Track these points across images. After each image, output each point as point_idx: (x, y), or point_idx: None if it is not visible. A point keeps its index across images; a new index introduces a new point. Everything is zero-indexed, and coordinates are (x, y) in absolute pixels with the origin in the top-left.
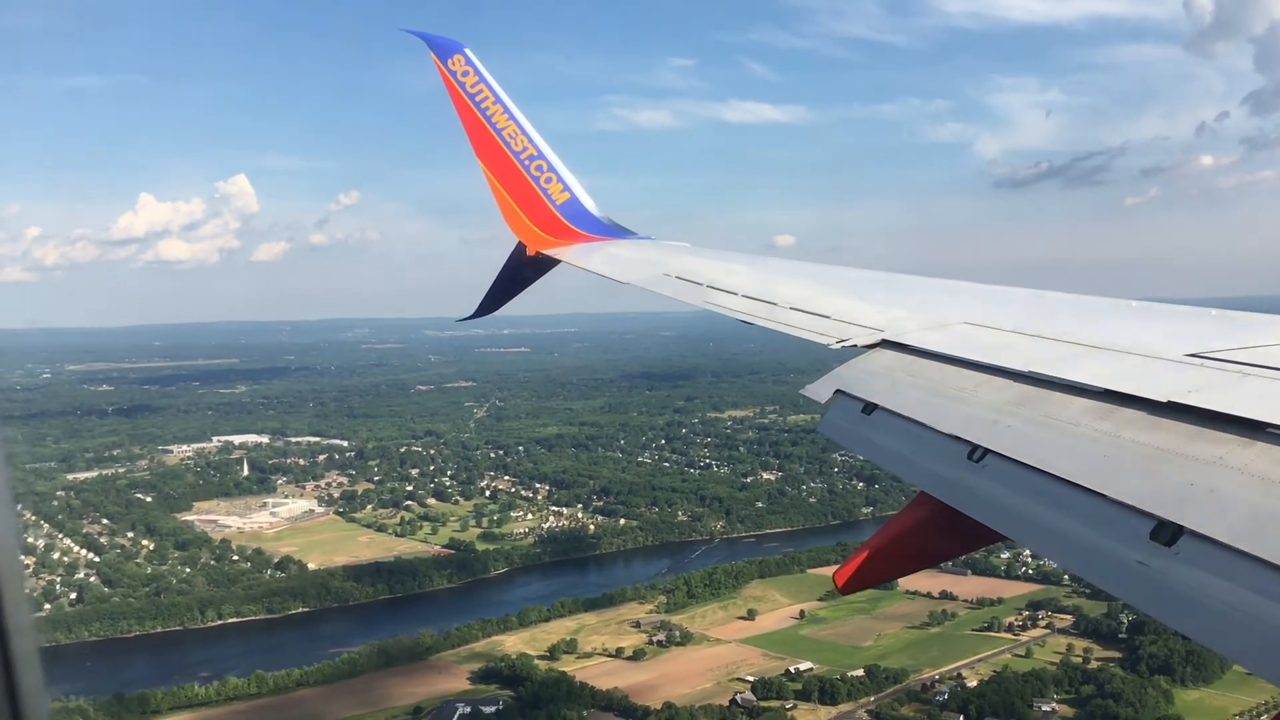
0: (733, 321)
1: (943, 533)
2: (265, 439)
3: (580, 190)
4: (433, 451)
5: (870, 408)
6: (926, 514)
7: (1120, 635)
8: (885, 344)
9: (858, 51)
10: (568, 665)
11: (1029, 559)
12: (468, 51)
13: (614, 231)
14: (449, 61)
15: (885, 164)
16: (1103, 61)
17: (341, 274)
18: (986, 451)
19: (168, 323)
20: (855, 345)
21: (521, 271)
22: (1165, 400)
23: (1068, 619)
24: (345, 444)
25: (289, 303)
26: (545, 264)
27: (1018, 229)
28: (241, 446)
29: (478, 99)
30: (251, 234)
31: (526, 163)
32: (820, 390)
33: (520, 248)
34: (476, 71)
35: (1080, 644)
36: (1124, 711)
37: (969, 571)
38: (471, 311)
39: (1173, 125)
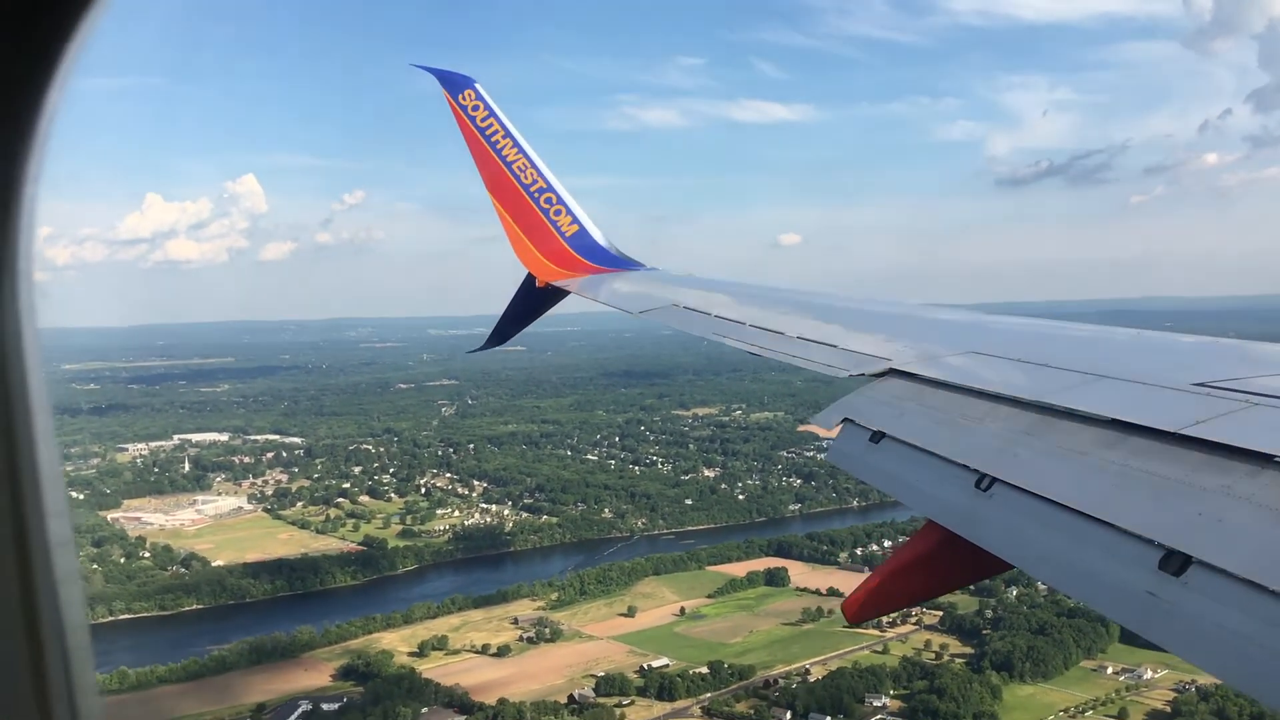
0: None
1: (951, 561)
2: (225, 437)
3: (589, 222)
4: (382, 449)
5: (878, 436)
6: (934, 543)
7: (984, 632)
8: (893, 373)
9: (866, 50)
10: (434, 662)
11: None
12: (478, 86)
13: (622, 263)
14: (460, 96)
15: (891, 163)
16: (1111, 59)
17: (347, 273)
18: (994, 480)
19: (175, 322)
20: (864, 375)
21: (532, 302)
22: (1173, 430)
23: (938, 615)
24: (300, 442)
25: (295, 302)
26: (555, 294)
27: (1021, 228)
28: (198, 445)
29: (488, 133)
30: (260, 233)
31: (536, 195)
32: (828, 419)
33: (530, 279)
34: (487, 106)
35: (940, 640)
36: (945, 706)
37: (866, 568)
38: (483, 342)
39: (1176, 123)
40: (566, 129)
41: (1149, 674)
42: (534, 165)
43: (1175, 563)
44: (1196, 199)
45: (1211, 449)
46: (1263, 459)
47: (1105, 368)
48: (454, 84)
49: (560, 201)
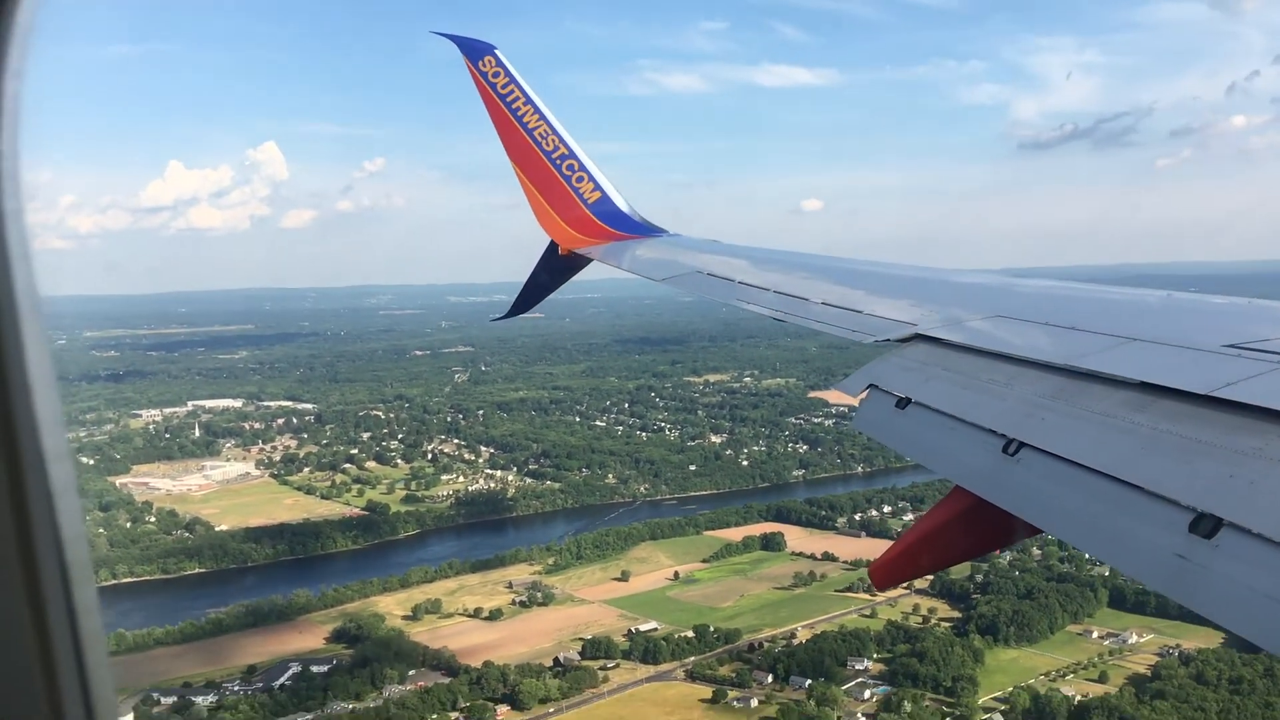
0: None
1: (978, 526)
2: (238, 403)
3: (611, 189)
4: (392, 415)
5: (904, 402)
6: (961, 508)
7: (973, 596)
8: (919, 338)
9: (891, 12)
10: (426, 625)
11: None
12: (498, 53)
13: (644, 229)
14: (480, 63)
15: (914, 127)
16: (1139, 20)
17: (368, 241)
18: (1022, 445)
19: (197, 290)
20: (889, 341)
21: (555, 269)
22: (1204, 392)
23: (929, 579)
24: (311, 408)
25: (316, 269)
26: (578, 262)
27: (1045, 192)
28: (210, 411)
29: (509, 99)
30: (281, 201)
31: (558, 162)
32: (853, 385)
33: (553, 246)
34: (507, 73)
35: (929, 604)
36: (925, 669)
37: (863, 533)
38: (506, 310)
39: (1203, 85)
40: (587, 95)
41: (1134, 638)
42: (555, 132)
43: (1206, 526)
44: (1223, 162)
45: (1243, 411)
46: None
47: (1134, 330)
48: (474, 51)
49: (582, 168)
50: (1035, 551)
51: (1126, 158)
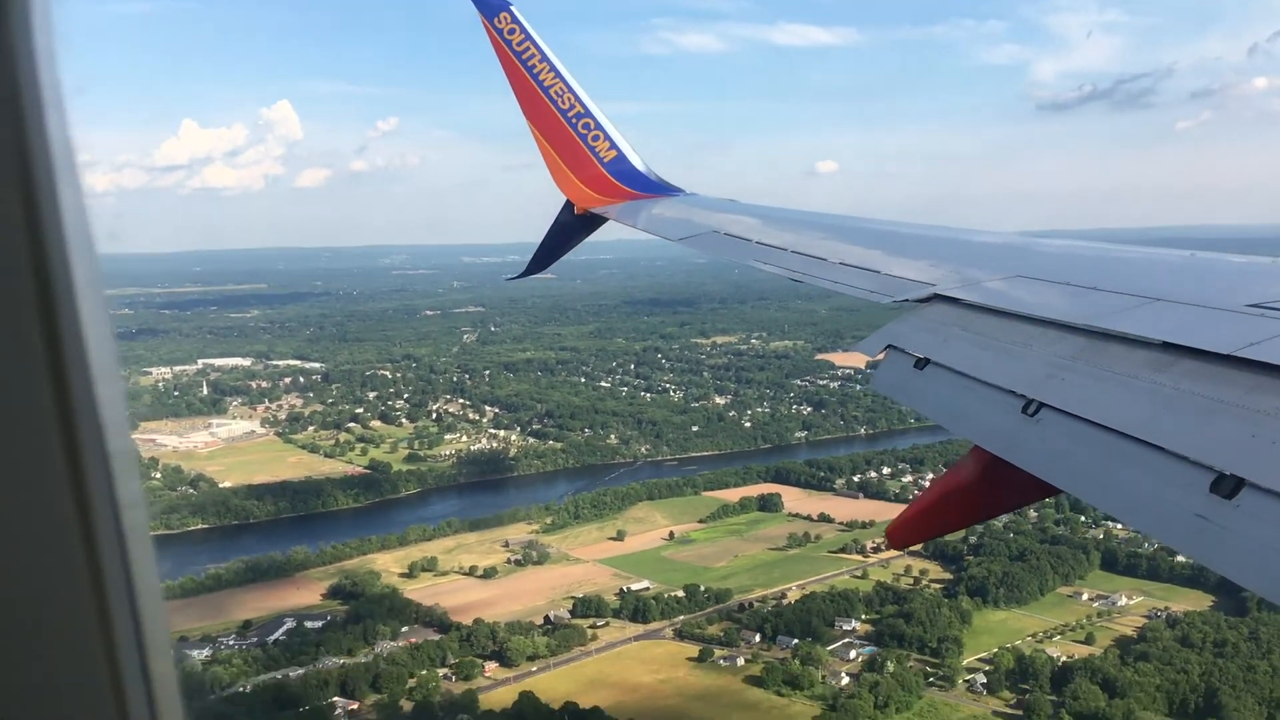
0: None
1: (996, 487)
2: (247, 362)
3: (627, 148)
4: (399, 375)
5: (923, 363)
6: (980, 469)
7: (965, 558)
8: (938, 298)
9: None
10: (422, 583)
11: (925, 483)
12: (514, 9)
13: (661, 189)
14: (495, 20)
15: (931, 87)
16: None
17: (382, 201)
18: (1042, 405)
19: (212, 249)
20: (908, 301)
21: (570, 229)
22: (1226, 352)
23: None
24: (319, 367)
25: (330, 229)
26: (594, 221)
27: (1063, 153)
28: (220, 369)
29: (524, 57)
30: (295, 160)
31: (574, 121)
32: (872, 346)
33: (568, 205)
34: (523, 29)
35: (922, 565)
36: (912, 630)
37: (861, 495)
38: (521, 270)
39: (1224, 45)
40: (603, 54)
41: (1123, 601)
42: (571, 90)
43: (1227, 486)
44: (1245, 125)
45: (1266, 370)
46: None
47: (1156, 290)
48: (489, 8)
49: (598, 127)
50: (1031, 514)
51: (1146, 119)
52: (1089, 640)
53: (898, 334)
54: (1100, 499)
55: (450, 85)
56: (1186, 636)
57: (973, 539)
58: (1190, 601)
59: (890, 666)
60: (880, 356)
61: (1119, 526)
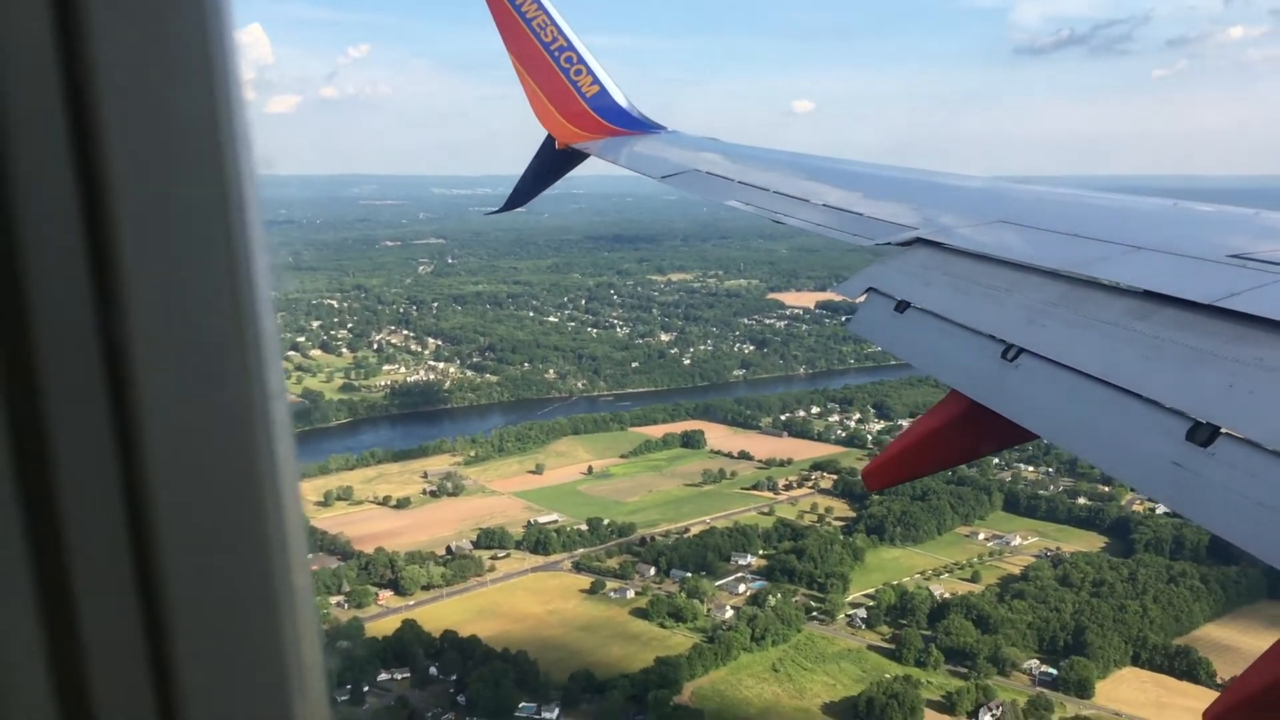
0: None
1: (972, 431)
2: None
3: (610, 83)
4: (346, 305)
5: (903, 306)
6: (957, 413)
7: (871, 497)
8: (920, 242)
9: None
10: (335, 512)
11: (851, 423)
12: None
13: (644, 125)
14: None
15: (909, 28)
16: None
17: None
18: (1021, 350)
19: None
20: (890, 244)
21: (551, 164)
22: (1207, 302)
23: (833, 479)
24: (271, 295)
25: (301, 157)
26: (574, 157)
27: (1041, 99)
28: None
29: None
30: (265, 85)
31: (556, 54)
32: (853, 288)
33: (549, 140)
34: None
35: (829, 503)
36: (803, 566)
37: (785, 433)
38: (501, 204)
39: None
40: None
41: (1017, 540)
42: (554, 22)
43: (1203, 434)
44: (1220, 74)
45: (1245, 321)
46: None
47: (1139, 239)
48: None
49: (581, 61)
50: None
51: (1122, 67)
52: (975, 579)
53: (879, 276)
54: (1076, 445)
55: (426, 13)
56: (1067, 576)
57: None
58: (1084, 543)
59: (772, 601)
60: (862, 298)
61: (1028, 469)
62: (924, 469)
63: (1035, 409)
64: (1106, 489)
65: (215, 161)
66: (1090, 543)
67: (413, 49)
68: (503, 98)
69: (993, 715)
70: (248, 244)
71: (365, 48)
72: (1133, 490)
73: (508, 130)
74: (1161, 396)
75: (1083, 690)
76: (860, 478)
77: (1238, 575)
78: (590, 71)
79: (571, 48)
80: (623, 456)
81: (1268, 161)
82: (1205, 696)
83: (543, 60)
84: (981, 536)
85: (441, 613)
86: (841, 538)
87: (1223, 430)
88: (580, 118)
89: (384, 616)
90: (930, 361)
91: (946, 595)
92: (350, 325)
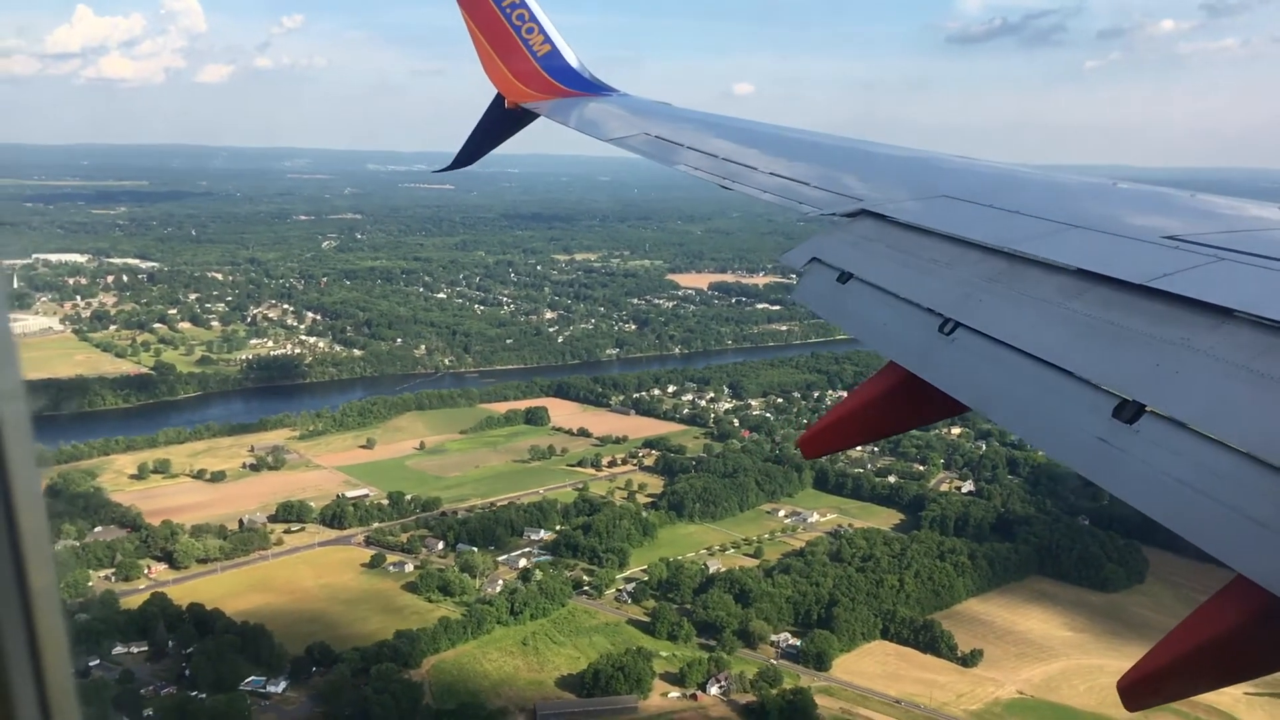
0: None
1: (908, 402)
2: (83, 258)
3: (562, 43)
4: (231, 278)
5: (846, 277)
6: (893, 384)
7: (682, 473)
8: (864, 214)
9: None
10: (148, 484)
11: (702, 403)
12: None
13: (595, 87)
14: None
15: (845, 13)
16: None
17: (287, 101)
18: (957, 324)
19: (111, 143)
20: (835, 215)
21: (500, 123)
22: (1139, 282)
23: (656, 456)
24: (154, 266)
25: (235, 128)
26: (524, 117)
27: (976, 88)
28: (51, 265)
29: None
30: (197, 54)
31: (507, 11)
32: (797, 258)
33: (499, 99)
34: None
35: (644, 479)
36: (588, 542)
37: (632, 411)
38: (448, 163)
39: None
40: None
41: (815, 517)
42: None
43: (1129, 411)
44: (1151, 66)
45: (1175, 301)
46: (1223, 313)
47: (1076, 217)
48: None
49: (533, 19)
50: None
51: (1055, 57)
52: (758, 554)
53: (823, 247)
54: (1006, 419)
55: None
56: (839, 551)
57: (693, 456)
58: (880, 520)
59: (538, 575)
60: (805, 268)
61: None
62: (858, 438)
63: (969, 382)
64: (921, 468)
65: None
66: (887, 520)
67: (349, 20)
68: (437, 73)
69: (720, 686)
70: None
71: (299, 18)
72: (1061, 464)
73: (447, 106)
74: (1090, 374)
75: (820, 662)
76: (796, 447)
77: (1008, 552)
78: (542, 30)
79: (523, 4)
80: (461, 432)
81: (1194, 153)
82: (943, 669)
83: (493, 15)
84: (782, 513)
85: (210, 587)
86: (635, 513)
87: (1148, 408)
88: (530, 77)
89: (150, 589)
90: (869, 332)
91: (722, 570)
92: (230, 299)
